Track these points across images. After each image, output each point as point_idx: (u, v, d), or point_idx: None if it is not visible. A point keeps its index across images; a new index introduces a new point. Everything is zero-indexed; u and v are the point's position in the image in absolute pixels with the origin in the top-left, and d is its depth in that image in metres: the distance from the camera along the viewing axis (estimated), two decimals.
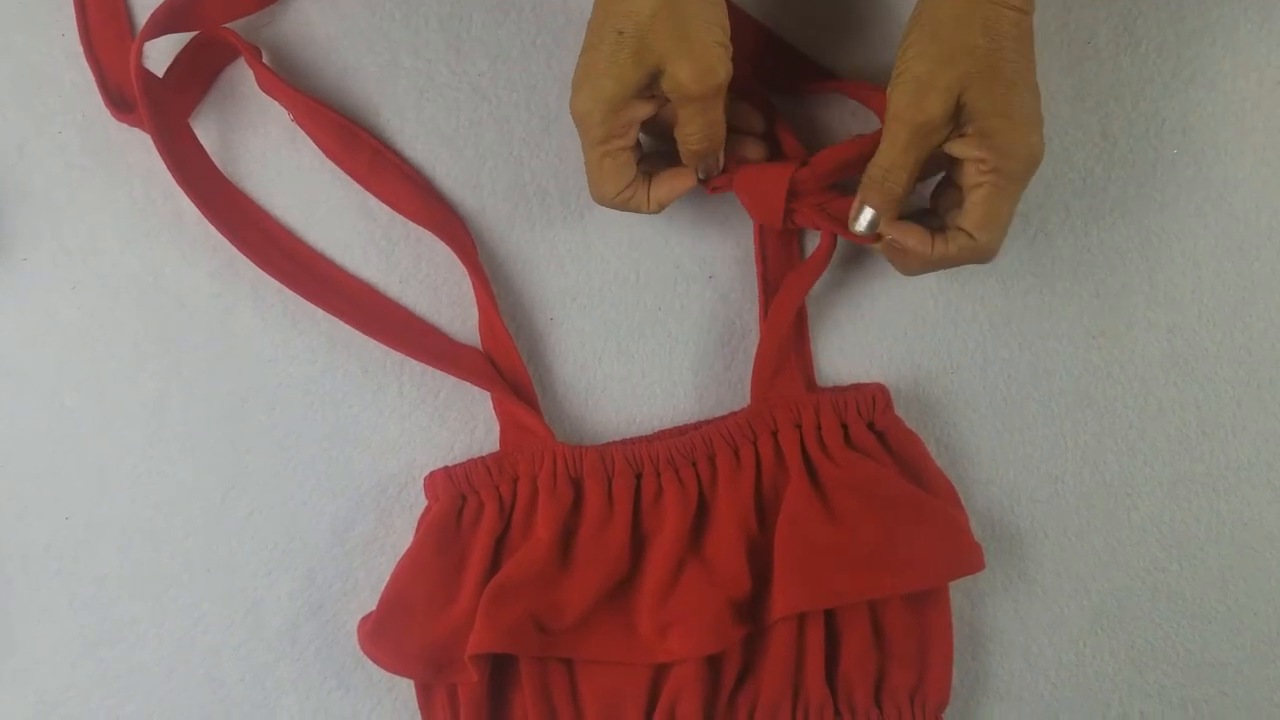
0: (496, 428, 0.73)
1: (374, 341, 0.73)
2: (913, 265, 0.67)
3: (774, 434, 0.71)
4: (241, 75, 0.75)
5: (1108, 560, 0.74)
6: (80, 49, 0.74)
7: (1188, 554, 0.75)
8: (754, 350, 0.74)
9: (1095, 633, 0.74)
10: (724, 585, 0.69)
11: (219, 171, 0.74)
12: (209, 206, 0.71)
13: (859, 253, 0.73)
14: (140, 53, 0.71)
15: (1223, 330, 0.75)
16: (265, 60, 0.74)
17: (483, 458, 0.72)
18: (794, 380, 0.73)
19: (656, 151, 0.71)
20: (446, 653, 0.69)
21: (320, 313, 0.73)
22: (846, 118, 0.75)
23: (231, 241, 0.72)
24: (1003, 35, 0.61)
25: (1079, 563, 0.74)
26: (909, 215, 0.67)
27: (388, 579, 0.70)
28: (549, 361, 0.75)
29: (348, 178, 0.74)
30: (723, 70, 0.64)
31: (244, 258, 0.72)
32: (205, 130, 0.75)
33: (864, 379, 0.74)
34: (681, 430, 0.73)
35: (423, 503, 0.72)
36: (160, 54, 0.73)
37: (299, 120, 0.74)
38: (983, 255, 0.65)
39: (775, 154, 0.72)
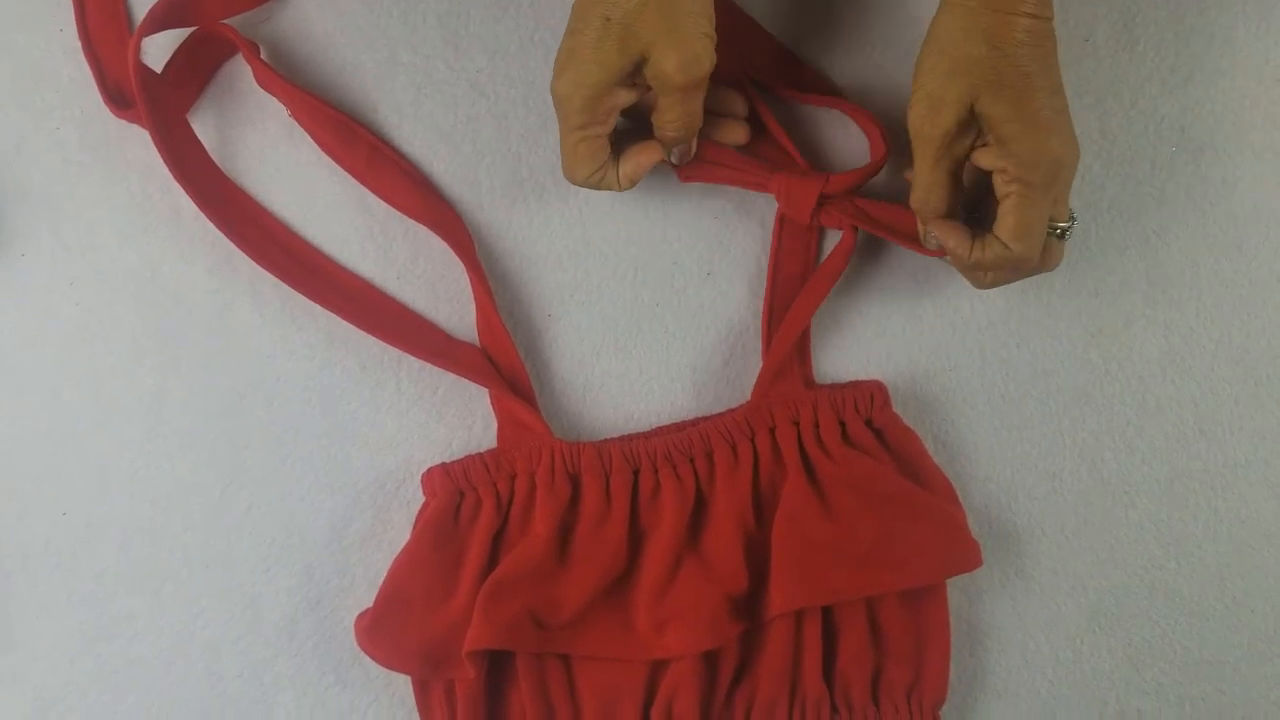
0: (494, 424, 0.73)
1: (372, 338, 0.73)
2: (980, 278, 0.68)
3: (772, 431, 0.71)
4: (239, 71, 0.75)
5: (1105, 558, 0.74)
6: (78, 45, 0.74)
7: (1185, 551, 0.75)
8: (752, 347, 0.74)
9: (1093, 630, 0.74)
10: (721, 582, 0.69)
11: (217, 167, 0.74)
12: (207, 202, 0.71)
13: (857, 252, 0.73)
14: (138, 49, 0.71)
15: (1221, 328, 0.75)
16: (263, 56, 0.74)
17: (480, 454, 0.72)
18: (792, 377, 0.73)
19: (623, 129, 0.71)
20: (444, 649, 0.69)
21: (318, 309, 0.73)
22: (846, 121, 0.75)
23: (229, 237, 0.72)
24: (1011, 43, 0.62)
25: (1077, 560, 0.74)
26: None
27: (385, 575, 0.70)
28: (547, 358, 0.74)
29: (345, 174, 0.74)
30: (707, 61, 0.64)
31: (242, 253, 0.72)
32: (203, 126, 0.74)
33: (862, 376, 0.74)
34: (679, 427, 0.73)
35: (420, 499, 0.72)
36: (158, 50, 0.73)
37: (297, 116, 0.74)
38: (1019, 264, 0.66)
39: (757, 137, 0.72)
